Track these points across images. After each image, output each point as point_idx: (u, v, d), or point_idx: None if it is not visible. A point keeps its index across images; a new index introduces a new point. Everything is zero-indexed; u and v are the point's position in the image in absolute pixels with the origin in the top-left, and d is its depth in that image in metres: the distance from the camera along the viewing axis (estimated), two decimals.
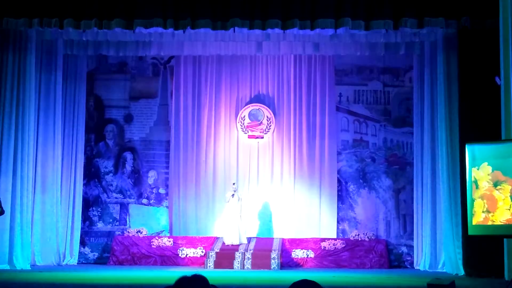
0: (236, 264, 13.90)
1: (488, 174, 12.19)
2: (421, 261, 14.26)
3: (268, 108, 15.78)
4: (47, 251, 14.26)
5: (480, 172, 12.17)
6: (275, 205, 15.59)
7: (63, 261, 14.60)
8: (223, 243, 14.54)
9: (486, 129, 12.11)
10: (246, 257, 13.97)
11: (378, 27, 12.61)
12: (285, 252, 14.62)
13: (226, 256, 14.03)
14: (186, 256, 14.72)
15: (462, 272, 12.51)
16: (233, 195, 14.59)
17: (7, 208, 12.84)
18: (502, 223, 11.08)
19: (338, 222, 15.52)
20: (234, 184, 14.82)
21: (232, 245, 14.33)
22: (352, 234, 15.15)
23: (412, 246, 14.88)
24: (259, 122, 15.75)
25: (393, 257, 15.14)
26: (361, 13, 12.42)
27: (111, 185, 15.90)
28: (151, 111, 16.06)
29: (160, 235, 15.44)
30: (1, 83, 13.37)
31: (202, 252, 14.66)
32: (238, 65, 15.89)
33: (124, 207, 15.85)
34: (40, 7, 12.64)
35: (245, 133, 15.76)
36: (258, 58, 15.79)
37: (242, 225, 14.67)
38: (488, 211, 12.16)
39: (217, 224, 15.40)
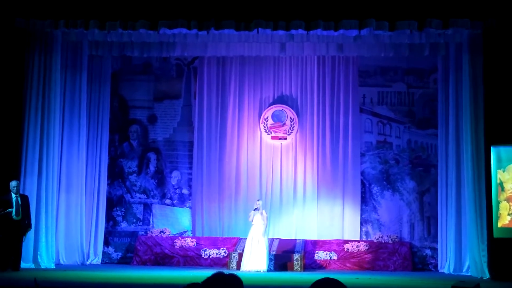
0: None
1: None
2: (446, 264, 14.14)
3: (291, 109, 15.74)
4: (71, 250, 14.36)
5: (506, 174, 12.06)
6: (298, 206, 15.55)
7: (87, 260, 14.69)
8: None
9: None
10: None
11: (403, 27, 12.56)
12: (308, 254, 14.58)
13: None
14: (209, 257, 14.73)
15: (487, 275, 12.38)
16: (255, 214, 13.52)
17: (32, 207, 12.98)
18: None
19: (361, 224, 15.44)
20: (259, 200, 13.96)
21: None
22: (376, 236, 15.07)
23: (436, 249, 14.76)
24: (283, 123, 15.73)
25: (417, 260, 15.03)
26: (385, 13, 12.37)
27: (135, 185, 15.97)
28: (175, 112, 16.11)
29: (183, 235, 15.47)
30: (27, 84, 13.49)
31: (225, 253, 14.66)
32: (262, 66, 15.89)
33: (147, 208, 15.91)
34: (66, 8, 12.77)
35: (268, 134, 15.74)
36: (281, 59, 15.77)
37: (264, 249, 13.41)
38: None
39: (240, 225, 15.38)
